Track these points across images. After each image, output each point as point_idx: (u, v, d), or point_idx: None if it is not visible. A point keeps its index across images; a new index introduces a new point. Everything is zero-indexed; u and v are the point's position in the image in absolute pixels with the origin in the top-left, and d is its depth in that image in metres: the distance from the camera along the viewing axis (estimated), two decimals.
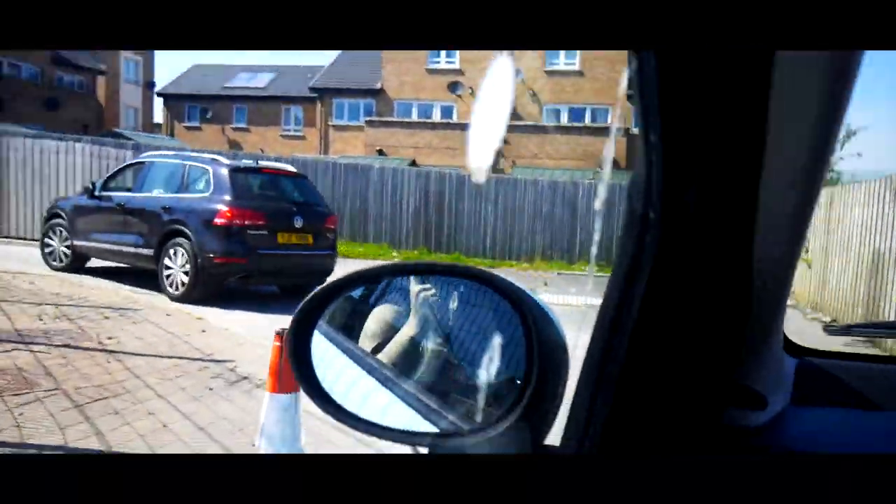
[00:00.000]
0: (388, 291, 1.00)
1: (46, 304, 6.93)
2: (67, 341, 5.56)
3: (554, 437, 0.68)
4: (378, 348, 0.97)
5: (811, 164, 0.56)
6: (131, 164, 9.79)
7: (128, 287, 8.68)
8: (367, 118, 27.41)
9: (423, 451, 0.77)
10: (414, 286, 0.91)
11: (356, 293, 1.02)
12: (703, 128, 0.51)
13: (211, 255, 7.97)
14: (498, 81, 0.58)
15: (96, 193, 9.31)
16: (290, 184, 9.04)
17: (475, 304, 0.85)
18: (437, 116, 27.25)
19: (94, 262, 9.77)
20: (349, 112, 29.41)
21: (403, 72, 27.76)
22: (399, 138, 26.09)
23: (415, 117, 27.42)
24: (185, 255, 8.09)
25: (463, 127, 22.72)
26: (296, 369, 0.82)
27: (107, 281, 9.02)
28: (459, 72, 27.02)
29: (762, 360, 0.73)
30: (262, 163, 9.49)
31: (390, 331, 0.95)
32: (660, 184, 0.53)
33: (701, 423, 0.62)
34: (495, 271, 0.81)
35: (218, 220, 8.01)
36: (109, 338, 5.80)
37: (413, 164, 23.80)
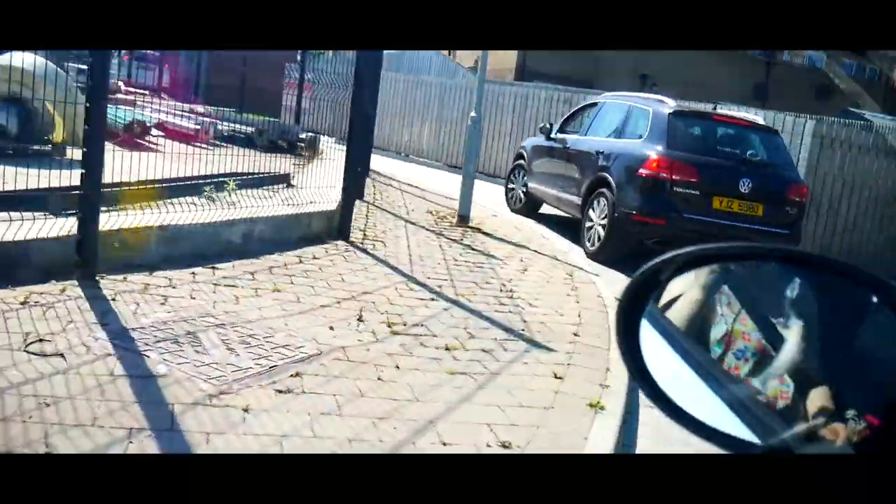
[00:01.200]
0: (749, 278, 0.86)
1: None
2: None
3: None
4: (718, 344, 0.85)
5: None
6: (588, 106, 9.12)
7: (563, 241, 8.12)
8: None
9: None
10: (788, 280, 0.79)
11: (708, 274, 0.85)
12: None
13: (627, 211, 6.80)
14: None
15: (551, 135, 8.94)
16: (750, 138, 7.15)
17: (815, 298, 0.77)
18: None
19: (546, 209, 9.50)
20: None
21: None
22: None
23: None
24: (605, 206, 7.09)
25: None
26: (627, 356, 0.77)
27: (548, 231, 8.60)
28: None
29: None
30: (721, 110, 7.74)
31: (716, 318, 0.85)
32: None
33: None
34: None
35: (642, 171, 6.75)
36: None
37: None
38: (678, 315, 0.86)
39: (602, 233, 7.09)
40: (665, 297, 0.84)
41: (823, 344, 0.78)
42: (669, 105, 7.26)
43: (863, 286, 0.70)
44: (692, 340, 0.86)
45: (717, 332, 0.85)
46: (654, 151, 6.81)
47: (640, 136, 7.16)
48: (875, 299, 0.68)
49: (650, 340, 0.80)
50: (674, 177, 6.62)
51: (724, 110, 8.11)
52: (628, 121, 7.57)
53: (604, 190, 7.16)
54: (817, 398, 0.73)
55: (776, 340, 0.80)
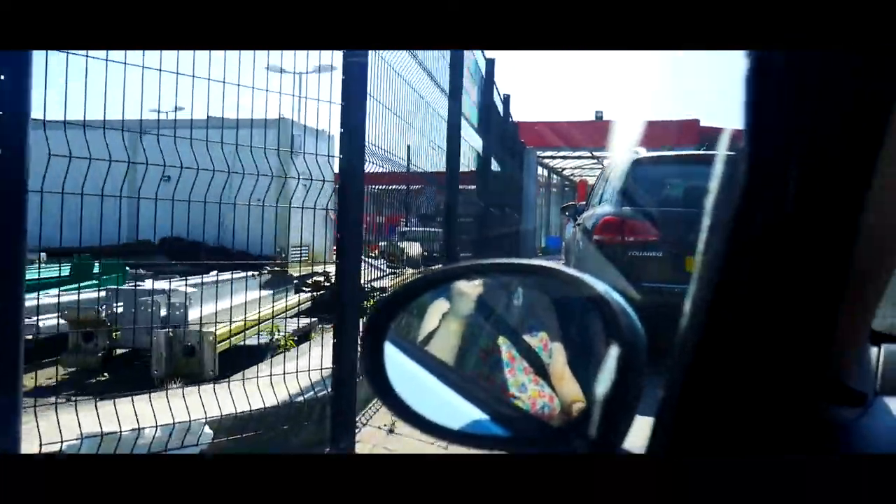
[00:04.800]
0: (456, 294, 0.92)
1: None
2: None
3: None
4: (450, 353, 0.93)
5: None
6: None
7: None
8: None
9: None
10: (478, 287, 0.89)
11: (427, 299, 0.93)
12: (814, 128, 0.50)
13: None
14: None
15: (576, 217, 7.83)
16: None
17: (551, 303, 0.86)
18: None
19: None
20: None
21: None
22: None
23: None
24: None
25: None
26: (372, 383, 0.82)
27: None
28: None
29: (853, 354, 0.72)
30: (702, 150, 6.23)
31: (463, 335, 0.91)
32: (759, 181, 0.53)
33: (800, 421, 0.62)
34: None
35: (595, 237, 5.50)
36: None
37: None
38: (431, 341, 0.92)
39: None
40: (417, 328, 0.92)
41: (565, 343, 0.85)
42: (635, 154, 5.98)
43: (573, 285, 0.77)
44: (443, 359, 0.91)
45: (468, 349, 0.91)
46: (605, 211, 5.56)
47: (603, 197, 5.96)
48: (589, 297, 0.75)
49: (399, 365, 0.85)
50: (627, 239, 5.30)
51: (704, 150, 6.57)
52: (606, 181, 6.38)
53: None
54: (570, 394, 0.80)
55: (522, 347, 0.87)
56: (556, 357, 0.83)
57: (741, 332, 0.57)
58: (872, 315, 0.74)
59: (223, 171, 2.82)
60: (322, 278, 6.94)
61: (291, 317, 6.02)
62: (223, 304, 5.25)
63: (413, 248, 7.23)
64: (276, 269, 6.65)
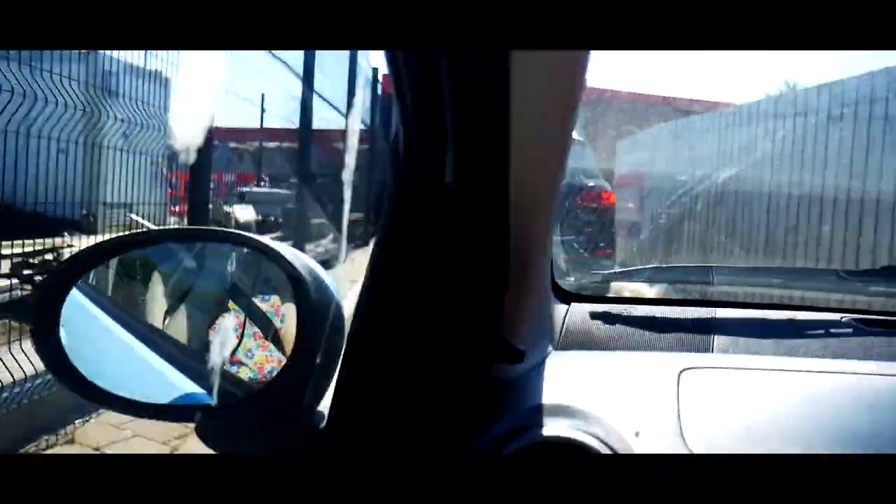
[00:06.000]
0: (163, 257, 0.90)
1: None
2: None
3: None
4: (153, 317, 0.90)
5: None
6: None
7: None
8: None
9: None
10: (186, 252, 0.88)
11: (130, 257, 0.89)
12: (457, 120, 0.57)
13: None
14: None
15: None
16: None
17: (257, 272, 0.86)
18: None
19: None
20: None
21: None
22: None
23: None
24: None
25: None
26: (41, 344, 0.75)
27: None
28: None
29: (526, 311, 0.77)
30: None
31: (164, 299, 0.89)
32: (421, 164, 0.60)
33: (466, 378, 0.68)
34: None
35: None
36: None
37: None
38: (145, 311, 0.90)
39: None
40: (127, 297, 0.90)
41: (241, 300, 0.85)
42: None
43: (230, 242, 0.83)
44: (135, 320, 0.88)
45: (190, 318, 0.87)
46: None
47: None
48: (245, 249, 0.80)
49: (89, 340, 0.82)
50: None
51: None
52: None
53: None
54: (238, 351, 0.81)
55: (254, 312, 0.85)
56: (288, 321, 0.81)
57: (409, 300, 0.63)
58: (541, 277, 0.81)
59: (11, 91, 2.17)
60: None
61: None
62: None
63: (247, 213, 6.63)
64: None
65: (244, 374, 0.83)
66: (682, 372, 0.82)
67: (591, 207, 6.12)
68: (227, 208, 5.74)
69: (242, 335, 0.84)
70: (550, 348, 0.91)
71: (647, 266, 1.44)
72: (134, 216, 3.26)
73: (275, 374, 0.77)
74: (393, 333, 0.63)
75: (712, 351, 0.98)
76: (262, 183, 7.60)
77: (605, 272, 1.43)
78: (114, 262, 0.87)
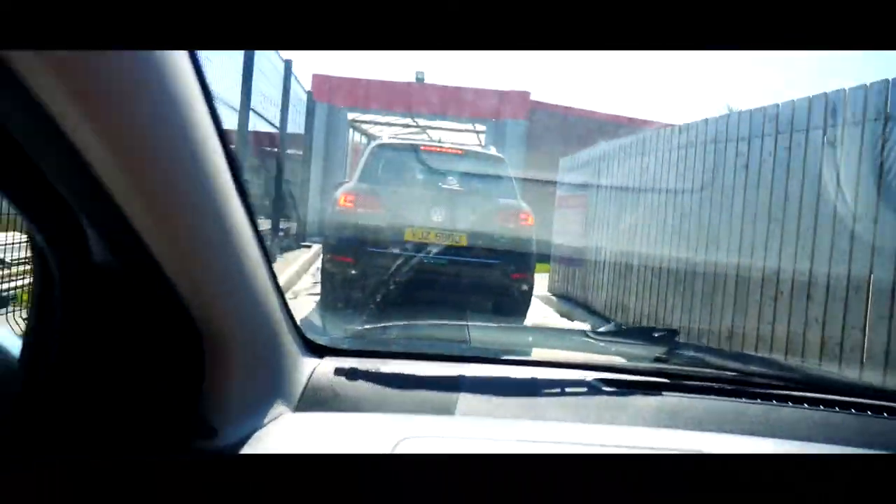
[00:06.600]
0: None
1: None
2: None
3: None
4: None
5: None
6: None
7: None
8: None
9: None
10: None
11: None
12: None
13: (328, 254, 6.41)
14: None
15: None
16: (464, 167, 6.74)
17: None
18: None
19: None
20: None
21: None
22: None
23: None
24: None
25: None
26: None
27: None
28: None
29: (226, 381, 0.73)
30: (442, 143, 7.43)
31: None
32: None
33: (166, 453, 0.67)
34: None
35: (336, 208, 6.41)
36: None
37: None
38: None
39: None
40: None
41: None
42: (379, 140, 7.02)
43: None
44: None
45: None
46: (346, 188, 6.50)
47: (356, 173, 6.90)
48: None
49: None
50: (359, 210, 6.25)
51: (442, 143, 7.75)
52: (362, 158, 7.31)
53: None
54: None
55: None
56: None
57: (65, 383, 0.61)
58: (248, 343, 0.75)
59: None
60: None
61: None
62: None
63: None
64: None
65: None
66: (399, 442, 0.80)
67: (508, 228, 6.43)
68: None
69: None
70: (283, 409, 0.86)
71: (399, 323, 1.46)
72: None
73: None
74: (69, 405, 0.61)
75: (454, 413, 0.95)
76: None
77: (363, 327, 1.43)
78: None
